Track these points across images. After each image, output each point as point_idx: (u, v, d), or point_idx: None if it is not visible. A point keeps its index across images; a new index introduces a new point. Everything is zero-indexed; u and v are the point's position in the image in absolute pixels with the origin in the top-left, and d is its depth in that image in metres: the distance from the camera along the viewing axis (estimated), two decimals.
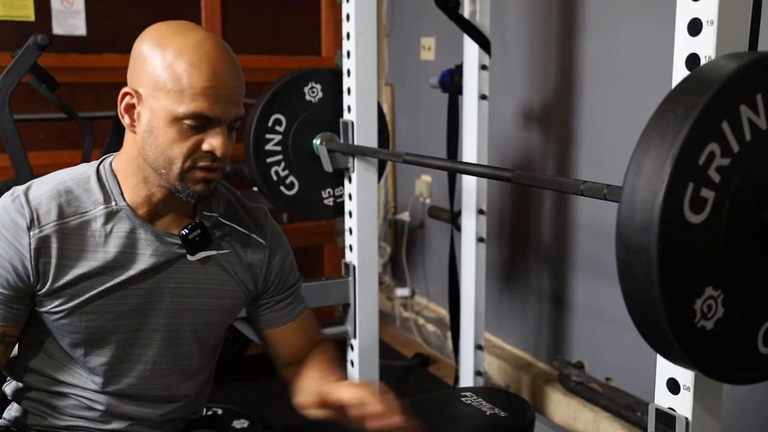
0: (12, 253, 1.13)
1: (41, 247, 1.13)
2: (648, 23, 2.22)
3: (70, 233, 1.15)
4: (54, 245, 1.14)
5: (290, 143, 2.20)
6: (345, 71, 2.11)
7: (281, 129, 2.19)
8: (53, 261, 1.14)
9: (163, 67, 1.10)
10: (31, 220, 1.13)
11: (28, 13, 2.95)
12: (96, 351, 1.21)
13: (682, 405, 1.10)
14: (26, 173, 2.31)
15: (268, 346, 1.40)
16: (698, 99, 0.86)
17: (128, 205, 1.18)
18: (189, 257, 1.22)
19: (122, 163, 1.19)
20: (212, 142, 1.11)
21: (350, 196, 2.15)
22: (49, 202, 1.15)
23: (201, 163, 1.13)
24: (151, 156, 1.14)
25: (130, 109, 1.15)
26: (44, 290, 1.15)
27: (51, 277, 1.15)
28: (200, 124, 1.11)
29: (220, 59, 1.10)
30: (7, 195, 1.16)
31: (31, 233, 1.12)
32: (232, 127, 1.15)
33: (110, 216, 1.17)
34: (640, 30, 2.25)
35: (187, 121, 1.10)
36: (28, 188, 1.16)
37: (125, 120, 1.16)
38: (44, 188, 1.16)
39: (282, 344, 1.38)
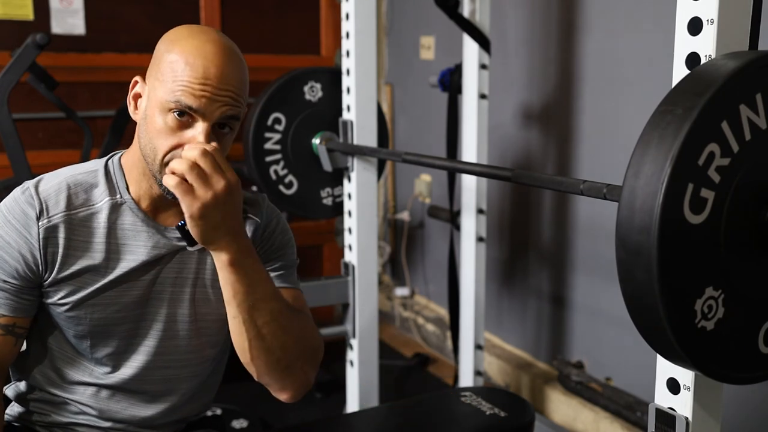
0: (22, 243, 1.17)
1: (49, 237, 1.17)
2: (648, 22, 2.22)
3: (78, 224, 1.19)
4: (61, 235, 1.18)
5: (290, 142, 2.20)
6: (344, 70, 2.10)
7: (281, 128, 2.19)
8: (60, 251, 1.18)
9: (166, 63, 1.14)
10: (41, 211, 1.17)
11: (27, 12, 2.94)
12: (102, 342, 1.24)
13: (682, 405, 1.09)
14: (25, 173, 2.31)
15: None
16: (697, 99, 0.86)
17: (132, 199, 1.21)
18: (189, 249, 1.25)
19: (129, 156, 1.23)
20: (192, 134, 1.12)
21: (349, 196, 2.15)
22: (57, 193, 1.19)
23: None
24: (143, 142, 1.17)
25: (137, 97, 1.20)
26: (50, 279, 1.19)
27: (57, 266, 1.18)
28: (184, 114, 1.12)
29: (218, 61, 1.12)
30: (17, 189, 1.20)
31: (40, 223, 1.17)
32: (225, 125, 1.15)
33: (114, 208, 1.21)
34: (640, 29, 2.25)
35: (173, 112, 1.11)
36: (39, 181, 1.21)
37: (131, 107, 1.21)
38: (53, 181, 1.20)
39: None
